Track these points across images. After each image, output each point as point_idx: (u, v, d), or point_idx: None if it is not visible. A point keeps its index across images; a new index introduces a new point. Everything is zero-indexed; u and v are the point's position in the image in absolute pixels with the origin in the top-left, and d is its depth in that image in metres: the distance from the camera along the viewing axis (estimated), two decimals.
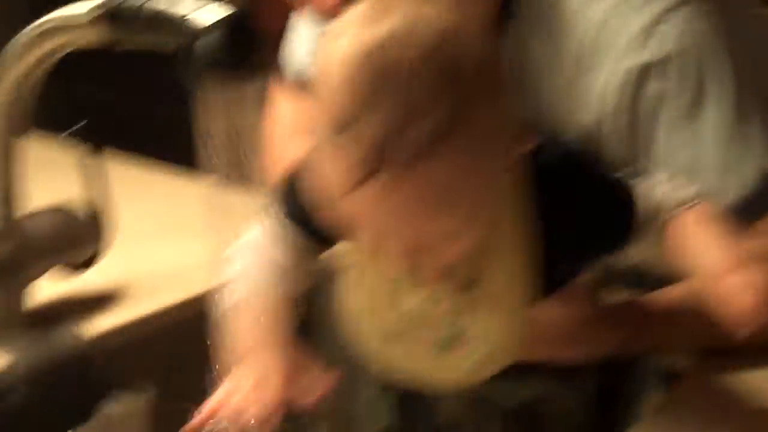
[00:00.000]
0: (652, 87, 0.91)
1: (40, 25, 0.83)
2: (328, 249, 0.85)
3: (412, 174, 0.65)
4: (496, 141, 0.69)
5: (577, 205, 0.77)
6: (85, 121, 0.96)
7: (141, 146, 1.51)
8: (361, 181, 0.66)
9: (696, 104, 0.92)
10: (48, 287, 1.00)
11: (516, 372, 0.89)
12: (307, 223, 0.83)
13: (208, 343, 0.81)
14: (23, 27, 0.85)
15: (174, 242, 1.17)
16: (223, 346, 0.77)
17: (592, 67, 0.92)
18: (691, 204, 0.79)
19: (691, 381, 0.91)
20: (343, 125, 0.65)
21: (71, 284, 1.02)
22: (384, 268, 0.79)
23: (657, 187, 0.80)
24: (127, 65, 2.12)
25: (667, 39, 0.91)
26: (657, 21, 0.91)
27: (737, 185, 0.90)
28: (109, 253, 1.03)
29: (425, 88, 0.64)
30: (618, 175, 0.81)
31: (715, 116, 0.91)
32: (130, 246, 1.16)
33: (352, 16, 0.68)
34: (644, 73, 0.91)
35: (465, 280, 0.77)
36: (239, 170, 0.78)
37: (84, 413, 0.91)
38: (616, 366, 0.94)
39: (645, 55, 0.91)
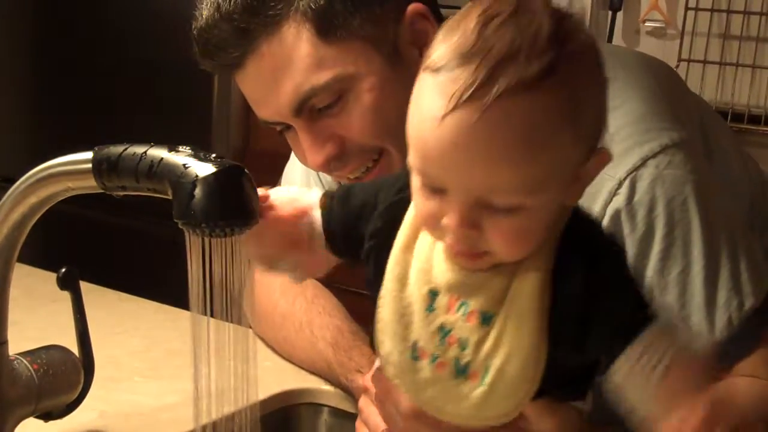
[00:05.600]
0: (627, 232, 0.97)
1: (43, 170, 0.85)
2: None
3: (510, 106, 0.71)
4: (589, 120, 0.75)
5: (600, 290, 0.77)
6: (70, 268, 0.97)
7: (127, 284, 1.52)
8: (460, 104, 0.71)
9: (672, 248, 0.96)
10: None
11: None
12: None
13: None
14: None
15: (158, 380, 1.16)
16: None
17: (590, 207, 0.96)
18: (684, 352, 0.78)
19: None
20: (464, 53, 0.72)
21: (57, 427, 1.00)
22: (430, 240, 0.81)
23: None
24: (116, 211, 2.15)
25: (639, 187, 0.97)
26: (634, 168, 0.98)
27: (719, 326, 0.95)
28: (94, 393, 1.01)
29: (542, 32, 0.72)
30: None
31: (691, 260, 0.96)
32: (115, 385, 1.15)
33: None
34: (618, 217, 0.97)
35: (488, 311, 0.79)
36: (228, 310, 0.79)
37: None
38: None
39: (619, 201, 0.97)
